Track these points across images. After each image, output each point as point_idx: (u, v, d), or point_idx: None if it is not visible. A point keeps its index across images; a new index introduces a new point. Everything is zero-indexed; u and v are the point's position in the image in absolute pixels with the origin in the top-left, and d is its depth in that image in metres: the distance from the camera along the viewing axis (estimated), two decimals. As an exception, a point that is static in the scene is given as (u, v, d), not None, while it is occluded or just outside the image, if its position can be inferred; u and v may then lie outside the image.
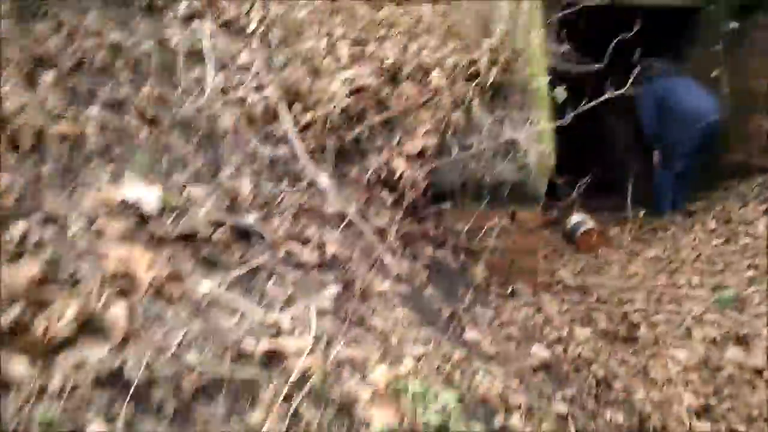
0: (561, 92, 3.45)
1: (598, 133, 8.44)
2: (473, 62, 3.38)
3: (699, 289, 4.63)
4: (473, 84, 3.41)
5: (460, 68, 3.38)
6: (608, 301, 4.49)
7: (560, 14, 4.10)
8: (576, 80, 5.62)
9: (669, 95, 6.23)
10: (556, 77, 3.69)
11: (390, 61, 3.31)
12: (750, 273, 4.64)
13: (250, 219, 2.16)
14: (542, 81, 3.82)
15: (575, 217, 5.71)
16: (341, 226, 2.49)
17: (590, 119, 9.16)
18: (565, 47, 4.17)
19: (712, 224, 5.67)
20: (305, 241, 2.29)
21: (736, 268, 4.80)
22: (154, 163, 2.18)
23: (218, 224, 2.02)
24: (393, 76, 3.39)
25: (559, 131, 3.50)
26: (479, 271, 3.21)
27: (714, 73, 6.17)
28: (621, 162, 7.73)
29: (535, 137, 3.31)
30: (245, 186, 2.33)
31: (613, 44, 3.58)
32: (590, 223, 5.51)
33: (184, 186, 2.15)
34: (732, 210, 5.80)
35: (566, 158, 8.26)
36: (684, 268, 5.03)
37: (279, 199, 2.39)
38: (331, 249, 2.26)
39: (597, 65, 3.67)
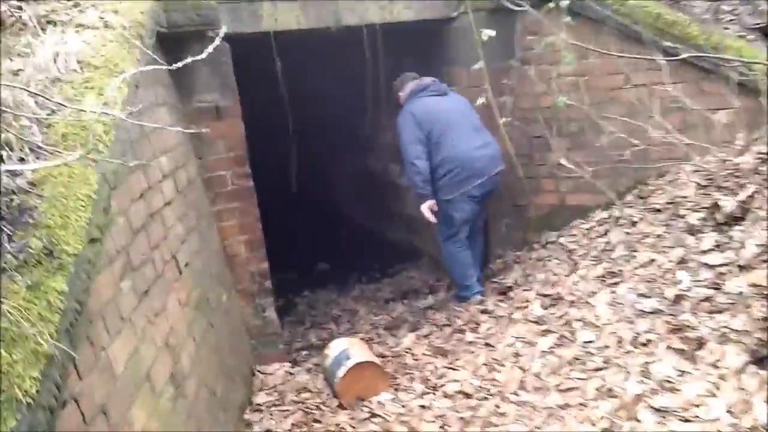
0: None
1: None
2: None
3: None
4: None
5: None
6: None
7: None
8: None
9: (439, 127, 4.38)
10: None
11: None
12: (602, 409, 2.74)
13: None
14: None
15: (335, 346, 3.61)
16: None
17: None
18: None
19: (536, 308, 3.82)
20: None
21: (581, 401, 2.89)
22: None
23: None
24: None
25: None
26: None
27: (480, 101, 4.43)
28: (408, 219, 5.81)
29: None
30: None
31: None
32: (356, 355, 3.42)
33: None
34: (558, 278, 4.01)
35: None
36: (503, 410, 3.05)
37: None
38: None
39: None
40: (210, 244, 3.37)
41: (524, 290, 4.14)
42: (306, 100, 7.80)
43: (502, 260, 4.76)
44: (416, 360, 3.77)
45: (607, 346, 3.17)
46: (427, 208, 4.36)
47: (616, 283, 3.59)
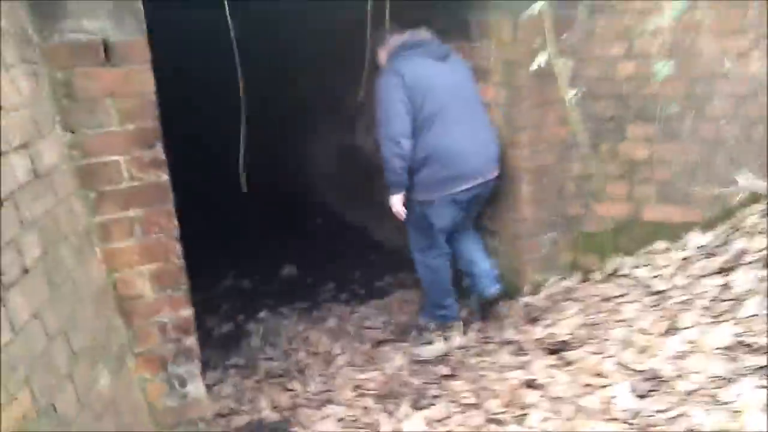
0: None
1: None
2: None
3: None
4: None
5: None
6: None
7: None
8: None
9: (433, 103, 3.11)
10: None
11: None
12: None
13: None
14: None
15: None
16: None
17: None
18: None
19: (623, 393, 2.40)
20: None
21: None
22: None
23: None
24: None
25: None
26: None
27: (537, 63, 3.05)
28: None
29: None
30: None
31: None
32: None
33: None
34: (649, 340, 2.61)
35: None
36: None
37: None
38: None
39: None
40: (76, 288, 1.85)
41: (592, 353, 2.71)
42: (274, 54, 6.25)
43: (547, 293, 3.32)
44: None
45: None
46: (399, 201, 3.26)
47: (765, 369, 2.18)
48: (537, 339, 2.98)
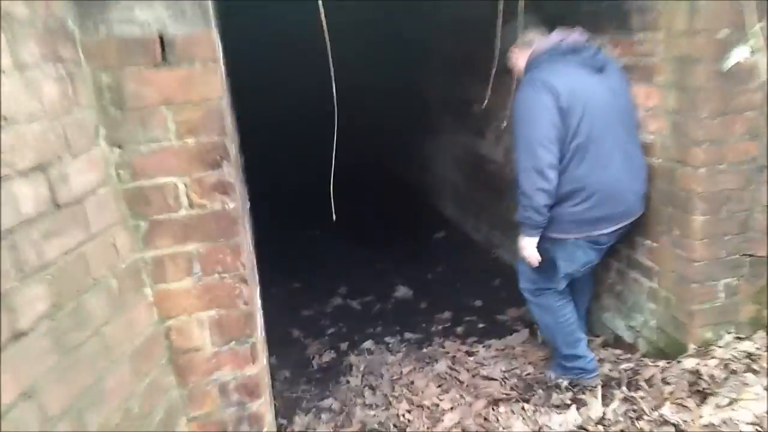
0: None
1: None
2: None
3: None
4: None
5: None
6: None
7: None
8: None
9: (590, 127, 2.51)
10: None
11: None
12: None
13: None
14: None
15: None
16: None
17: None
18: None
19: None
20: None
21: None
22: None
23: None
24: None
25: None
26: None
27: (737, 55, 2.33)
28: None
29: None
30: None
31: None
32: None
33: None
34: None
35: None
36: None
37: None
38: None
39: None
40: (106, 346, 1.48)
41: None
42: (393, 50, 5.80)
43: (721, 358, 2.54)
44: None
45: None
46: (533, 245, 2.65)
47: None
48: (706, 424, 2.24)
